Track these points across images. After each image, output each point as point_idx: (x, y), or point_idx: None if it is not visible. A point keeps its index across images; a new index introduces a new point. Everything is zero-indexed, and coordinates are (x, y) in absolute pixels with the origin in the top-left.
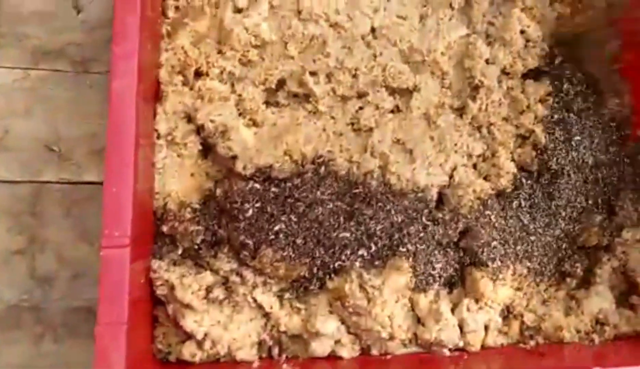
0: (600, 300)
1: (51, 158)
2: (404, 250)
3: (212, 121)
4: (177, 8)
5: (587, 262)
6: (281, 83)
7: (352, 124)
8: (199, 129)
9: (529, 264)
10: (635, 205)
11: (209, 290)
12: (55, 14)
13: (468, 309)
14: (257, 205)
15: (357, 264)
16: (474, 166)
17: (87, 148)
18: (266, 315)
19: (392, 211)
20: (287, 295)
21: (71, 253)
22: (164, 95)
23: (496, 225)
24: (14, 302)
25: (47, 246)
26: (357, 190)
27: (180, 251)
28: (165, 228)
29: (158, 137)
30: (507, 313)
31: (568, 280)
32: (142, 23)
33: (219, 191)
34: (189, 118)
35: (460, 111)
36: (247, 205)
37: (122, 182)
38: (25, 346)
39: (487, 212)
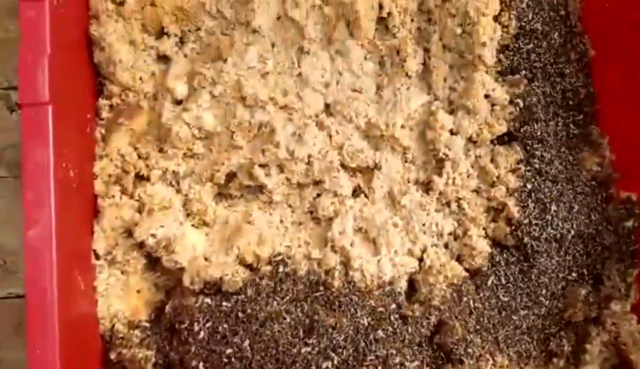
0: None
1: None
2: (373, 357)
3: (153, 235)
4: (111, 107)
5: (574, 338)
6: (231, 176)
7: (312, 212)
8: (141, 244)
9: (510, 350)
10: (623, 276)
11: None
12: None
13: None
14: (208, 325)
15: None
16: (446, 245)
17: None
18: None
19: (358, 314)
20: None
21: None
22: (100, 211)
23: (473, 310)
24: None
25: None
26: (318, 293)
27: None
28: (112, 356)
29: (97, 258)
30: None
31: (555, 360)
32: (57, 154)
33: (168, 308)
34: (130, 233)
35: (427, 186)
36: (197, 326)
37: (46, 343)
38: None
39: (464, 299)
